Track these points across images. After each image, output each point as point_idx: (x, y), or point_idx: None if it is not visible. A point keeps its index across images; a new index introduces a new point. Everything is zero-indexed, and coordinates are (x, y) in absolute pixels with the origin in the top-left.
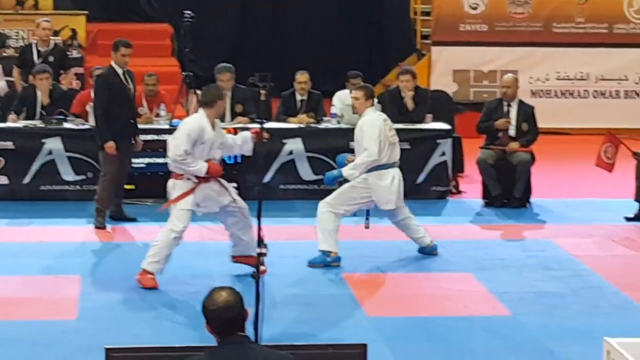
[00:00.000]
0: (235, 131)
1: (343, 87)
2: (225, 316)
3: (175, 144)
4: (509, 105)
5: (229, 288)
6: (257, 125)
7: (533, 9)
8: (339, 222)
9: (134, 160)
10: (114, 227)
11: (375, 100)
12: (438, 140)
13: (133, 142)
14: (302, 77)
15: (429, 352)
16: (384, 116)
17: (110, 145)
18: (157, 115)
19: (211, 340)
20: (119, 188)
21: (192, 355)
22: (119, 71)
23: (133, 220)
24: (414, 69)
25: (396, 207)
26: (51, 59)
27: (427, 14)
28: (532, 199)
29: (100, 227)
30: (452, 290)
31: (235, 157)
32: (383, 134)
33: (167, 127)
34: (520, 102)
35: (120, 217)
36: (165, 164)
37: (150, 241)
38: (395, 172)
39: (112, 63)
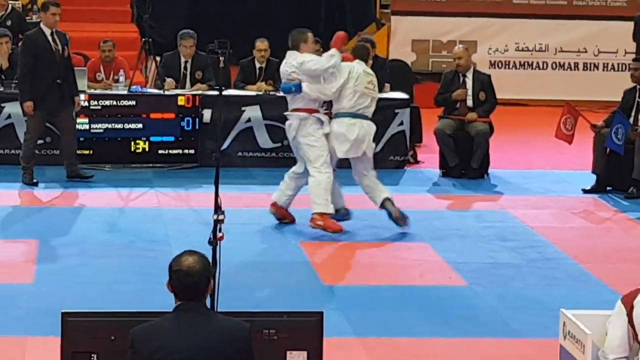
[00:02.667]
0: (193, 98)
1: None
2: (186, 281)
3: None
4: (464, 76)
5: (199, 254)
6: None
7: None
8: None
9: (93, 126)
10: (73, 192)
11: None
12: (396, 110)
13: (70, 102)
14: (262, 44)
15: (385, 321)
16: (368, 70)
17: (28, 105)
18: (116, 81)
19: (167, 307)
20: (67, 148)
21: (147, 321)
22: (47, 32)
23: (90, 177)
24: (373, 38)
25: (352, 158)
26: (8, 23)
27: None
28: (490, 170)
29: (28, 183)
30: (408, 260)
31: (194, 123)
32: (358, 82)
33: (125, 92)
34: (476, 72)
35: (76, 175)
36: (123, 129)
37: (107, 206)
38: (361, 123)
39: (41, 24)
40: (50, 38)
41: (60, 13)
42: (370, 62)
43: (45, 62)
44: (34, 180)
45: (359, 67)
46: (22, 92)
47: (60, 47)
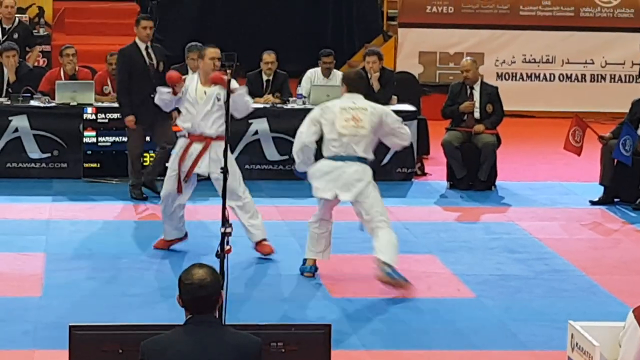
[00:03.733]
0: None
1: (314, 66)
2: (197, 294)
3: None
4: (471, 88)
5: (209, 267)
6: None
7: None
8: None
9: (100, 139)
10: (80, 205)
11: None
12: (404, 122)
13: (166, 116)
14: (269, 57)
15: (393, 334)
16: (346, 104)
17: (129, 119)
18: None
19: (176, 319)
20: (157, 160)
21: (156, 334)
22: (141, 46)
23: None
24: (380, 50)
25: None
26: (15, 36)
27: None
28: (497, 182)
29: (138, 198)
30: (416, 272)
31: None
32: (329, 123)
33: None
34: (483, 84)
35: (150, 186)
36: None
37: (115, 219)
38: (339, 164)
39: (136, 38)
40: (144, 52)
41: (151, 26)
42: (377, 74)
43: (139, 76)
44: (144, 195)
45: (331, 104)
46: (121, 106)
47: (155, 62)
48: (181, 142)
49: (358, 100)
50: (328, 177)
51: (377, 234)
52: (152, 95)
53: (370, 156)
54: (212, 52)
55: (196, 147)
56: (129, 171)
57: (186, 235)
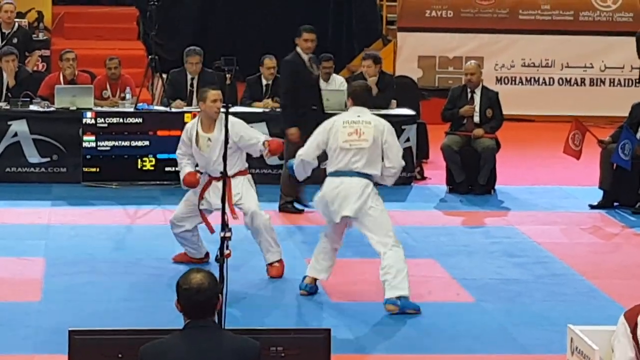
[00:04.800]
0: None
1: None
2: (195, 298)
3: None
4: (472, 92)
5: (206, 271)
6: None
7: None
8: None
9: (99, 143)
10: (79, 210)
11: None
12: (403, 126)
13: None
14: (270, 62)
15: (392, 338)
16: (350, 117)
17: (292, 132)
18: (123, 98)
19: (174, 324)
20: None
21: (155, 338)
22: (304, 57)
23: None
24: (377, 54)
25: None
26: (14, 40)
27: None
28: (497, 186)
29: (285, 210)
30: (416, 276)
31: None
32: (332, 138)
33: (131, 110)
34: (484, 88)
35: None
36: (129, 147)
37: (114, 224)
38: (340, 182)
39: (297, 49)
40: (308, 63)
41: (313, 39)
42: (375, 78)
43: (304, 87)
44: (299, 209)
45: (335, 119)
46: (285, 117)
47: (317, 73)
48: (202, 179)
49: (363, 114)
50: (331, 206)
51: (382, 256)
52: (314, 107)
53: (375, 171)
54: (214, 94)
55: (217, 185)
56: (282, 186)
57: (207, 255)
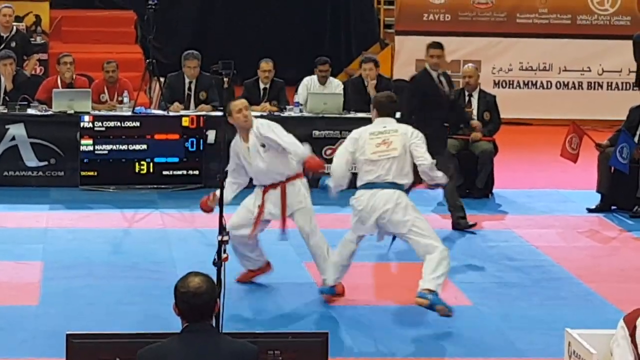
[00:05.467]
0: (197, 118)
1: (311, 74)
2: (193, 302)
3: None
4: (470, 95)
5: (204, 275)
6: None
7: (496, 0)
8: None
9: (97, 147)
10: (77, 214)
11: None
12: None
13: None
14: (266, 65)
15: (390, 341)
16: (376, 128)
17: None
18: (120, 102)
19: (172, 328)
20: (450, 195)
21: (153, 342)
22: (433, 74)
23: (472, 226)
24: (377, 57)
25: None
26: (13, 44)
27: (391, 3)
28: (495, 190)
29: (459, 228)
30: (414, 280)
31: (198, 144)
32: (359, 150)
33: (129, 114)
34: (482, 92)
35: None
36: (127, 150)
37: (112, 228)
38: (371, 193)
39: (426, 65)
40: (437, 80)
41: (439, 55)
42: (374, 82)
43: (432, 104)
44: (469, 223)
45: (361, 131)
46: None
47: (447, 89)
48: (257, 190)
49: (389, 123)
50: (362, 215)
51: (425, 257)
52: (445, 124)
53: (406, 180)
54: (237, 105)
55: (274, 192)
56: (450, 205)
57: (268, 265)
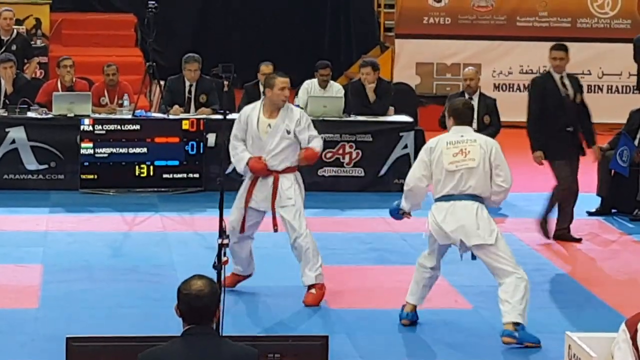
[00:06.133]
0: (197, 122)
1: (312, 77)
2: (194, 304)
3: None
4: (470, 99)
5: (208, 279)
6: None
7: (497, 3)
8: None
9: (97, 150)
10: (77, 217)
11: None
12: (401, 133)
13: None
14: (266, 68)
15: (391, 345)
16: (453, 137)
17: (537, 155)
18: (121, 105)
19: (172, 331)
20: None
21: (154, 345)
22: (556, 76)
23: (578, 240)
24: (376, 61)
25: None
26: (13, 47)
27: (391, 6)
28: None
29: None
30: None
31: (198, 147)
32: (436, 161)
33: (129, 117)
34: (482, 95)
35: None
36: (127, 153)
37: (112, 231)
38: (451, 206)
39: (549, 67)
40: (559, 83)
41: (562, 57)
42: (373, 85)
43: (554, 108)
44: (574, 237)
45: (436, 141)
46: (532, 140)
47: (570, 92)
48: (246, 180)
49: (467, 132)
50: (441, 228)
51: (500, 282)
52: (568, 129)
53: (485, 192)
54: (282, 81)
55: (264, 182)
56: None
57: (250, 275)
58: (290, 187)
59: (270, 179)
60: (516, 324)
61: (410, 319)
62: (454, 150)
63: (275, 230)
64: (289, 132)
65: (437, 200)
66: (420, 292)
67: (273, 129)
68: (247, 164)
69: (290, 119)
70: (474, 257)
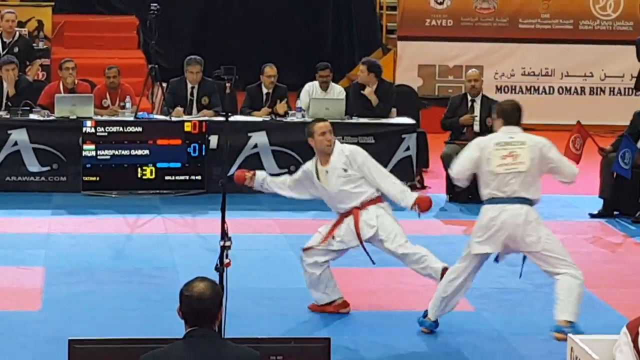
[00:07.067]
0: (200, 124)
1: (314, 79)
2: (195, 306)
3: None
4: (472, 101)
5: (211, 281)
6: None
7: (499, 5)
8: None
9: (99, 152)
10: (79, 219)
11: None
12: (403, 135)
13: None
14: (271, 70)
15: (392, 347)
16: (503, 138)
17: None
18: (123, 107)
19: (174, 333)
20: None
21: (156, 347)
22: None
23: None
24: (375, 61)
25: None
26: (16, 49)
27: (393, 8)
28: None
29: None
30: (416, 285)
31: (200, 149)
32: (484, 161)
33: (131, 119)
34: (484, 97)
35: None
36: (129, 155)
37: (114, 233)
38: (499, 209)
39: None
40: None
41: None
42: (371, 87)
43: None
44: None
45: (485, 141)
46: None
47: None
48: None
49: (516, 134)
50: (489, 231)
51: (557, 279)
52: None
53: (536, 196)
54: (321, 126)
55: (348, 222)
56: None
57: (344, 303)
58: (371, 217)
59: (351, 218)
60: (569, 322)
61: (431, 328)
62: (502, 152)
63: (373, 263)
64: (345, 170)
65: (485, 203)
66: (449, 307)
67: (330, 173)
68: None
69: (342, 159)
70: (496, 259)
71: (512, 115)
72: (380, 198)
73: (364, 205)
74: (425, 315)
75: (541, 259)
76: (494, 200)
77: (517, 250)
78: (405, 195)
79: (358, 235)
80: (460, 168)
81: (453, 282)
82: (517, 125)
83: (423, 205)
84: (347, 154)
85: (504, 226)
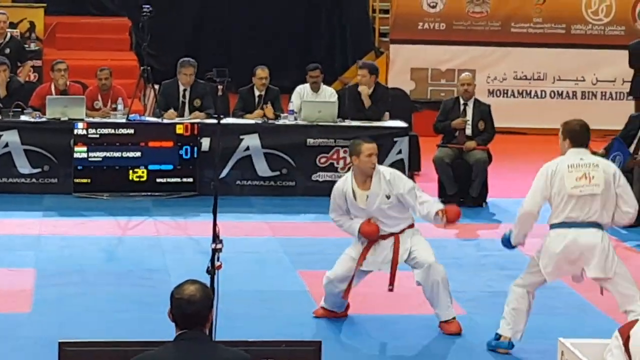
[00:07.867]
0: (192, 126)
1: (303, 82)
2: (185, 309)
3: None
4: (465, 104)
5: (201, 284)
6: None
7: (491, 9)
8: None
9: (91, 154)
10: (70, 221)
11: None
12: (395, 139)
13: None
14: (262, 72)
15: (384, 351)
16: (574, 160)
17: None
18: (115, 109)
19: (165, 336)
20: None
21: (147, 350)
22: None
23: None
24: (374, 64)
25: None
26: (7, 51)
27: (386, 12)
28: (489, 199)
29: None
30: (407, 289)
31: (192, 151)
32: (557, 184)
33: (123, 121)
34: (476, 101)
35: None
36: (121, 157)
37: (105, 235)
38: (574, 234)
39: None
40: None
41: None
42: (368, 89)
43: None
44: None
45: (556, 164)
46: None
47: None
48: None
49: (586, 155)
50: (561, 257)
51: (627, 309)
52: None
53: (607, 220)
54: (369, 147)
55: (382, 245)
56: None
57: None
58: (410, 237)
59: (389, 241)
60: None
61: (510, 348)
62: (576, 174)
63: (391, 290)
64: (388, 197)
65: (556, 226)
66: (517, 326)
67: (371, 198)
68: (360, 231)
69: (383, 184)
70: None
71: (582, 137)
72: (414, 223)
73: (402, 231)
74: (498, 337)
75: (610, 284)
76: (566, 225)
77: (589, 276)
78: (431, 209)
79: (395, 261)
80: (532, 202)
81: (523, 306)
82: (586, 146)
83: (450, 215)
84: (388, 178)
85: (576, 251)
